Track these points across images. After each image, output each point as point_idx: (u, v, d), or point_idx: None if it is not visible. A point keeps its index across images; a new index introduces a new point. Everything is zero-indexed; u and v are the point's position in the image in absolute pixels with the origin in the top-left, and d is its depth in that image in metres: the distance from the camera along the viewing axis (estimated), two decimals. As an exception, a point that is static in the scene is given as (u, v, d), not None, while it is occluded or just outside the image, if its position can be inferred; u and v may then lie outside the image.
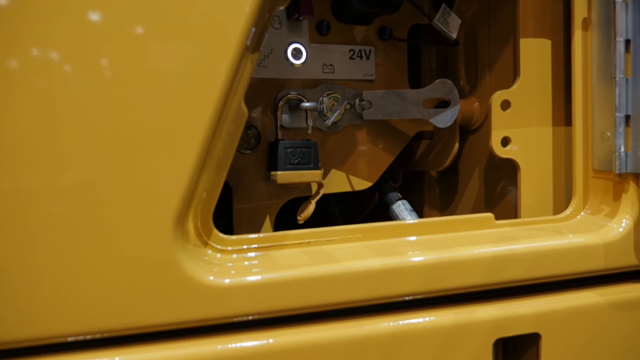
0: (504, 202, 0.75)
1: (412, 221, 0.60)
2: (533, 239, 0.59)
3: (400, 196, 0.78)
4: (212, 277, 0.48)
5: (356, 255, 0.54)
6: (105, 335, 0.47)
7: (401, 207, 0.76)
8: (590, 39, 0.63)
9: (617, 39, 0.59)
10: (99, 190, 0.45)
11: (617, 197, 0.62)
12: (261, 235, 0.56)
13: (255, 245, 0.55)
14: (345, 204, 0.88)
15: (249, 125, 0.67)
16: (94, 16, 0.44)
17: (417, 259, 0.54)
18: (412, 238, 0.59)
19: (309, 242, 0.57)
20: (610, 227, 0.61)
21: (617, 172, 0.60)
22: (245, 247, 0.55)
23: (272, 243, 0.56)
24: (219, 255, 0.53)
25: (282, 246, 0.56)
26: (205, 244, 0.54)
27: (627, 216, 0.60)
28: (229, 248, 0.54)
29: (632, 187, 0.60)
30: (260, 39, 0.54)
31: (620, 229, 0.60)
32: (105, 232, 0.46)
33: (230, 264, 0.52)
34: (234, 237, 0.55)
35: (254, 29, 0.50)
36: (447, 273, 0.55)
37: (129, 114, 0.46)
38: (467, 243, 0.57)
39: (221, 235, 0.55)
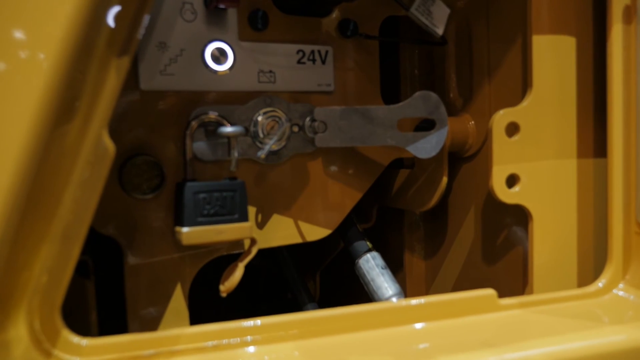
0: (510, 256, 0.56)
1: (374, 306, 0.41)
2: (554, 336, 0.39)
3: (371, 246, 0.58)
4: None
5: (282, 373, 0.35)
6: None
7: (370, 263, 0.57)
8: (635, 35, 0.43)
9: (681, 35, 0.39)
10: None
11: (675, 267, 0.43)
12: (138, 337, 0.36)
13: (127, 354, 0.36)
14: (304, 250, 0.68)
15: (149, 160, 0.47)
16: None
17: (378, 376, 0.35)
18: (374, 334, 0.40)
19: (214, 347, 0.37)
20: (667, 313, 0.41)
21: (678, 232, 0.41)
22: (110, 356, 0.36)
23: (156, 349, 0.37)
24: (62, 373, 0.34)
25: (170, 354, 0.37)
26: (48, 356, 0.35)
27: (694, 299, 0.41)
28: (79, 362, 0.34)
29: (700, 255, 0.41)
30: (132, 29, 0.35)
31: (685, 320, 0.40)
32: None
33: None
34: (92, 341, 0.35)
35: (113, 8, 0.31)
36: (424, 398, 0.35)
37: None
38: (455, 346, 0.38)
39: (73, 338, 0.35)
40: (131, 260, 0.47)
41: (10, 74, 0.28)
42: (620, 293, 0.45)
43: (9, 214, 0.29)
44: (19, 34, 0.28)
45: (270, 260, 0.70)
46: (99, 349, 0.36)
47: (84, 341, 0.35)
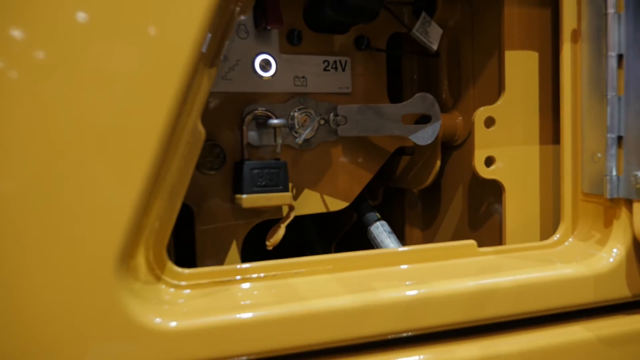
0: (489, 223, 0.71)
1: (387, 251, 0.56)
2: (518, 269, 0.54)
3: (379, 216, 0.73)
4: (159, 320, 0.43)
5: (324, 291, 0.49)
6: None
7: (380, 229, 0.71)
8: (580, 52, 0.58)
9: (609, 53, 0.54)
10: (27, 225, 0.40)
11: (608, 224, 0.57)
12: (221, 268, 0.51)
13: (215, 280, 0.50)
14: (322, 224, 0.83)
15: (213, 144, 0.61)
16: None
17: (392, 294, 0.49)
18: (387, 269, 0.54)
19: (274, 275, 0.52)
20: (600, 256, 0.56)
21: (609, 196, 0.55)
22: (203, 281, 0.50)
23: (232, 277, 0.51)
24: (172, 290, 0.48)
25: (244, 280, 0.51)
26: (158, 279, 0.49)
27: (619, 245, 0.55)
28: (184, 283, 0.49)
29: (624, 213, 0.55)
30: (219, 50, 0.49)
31: (611, 259, 0.55)
32: (30, 270, 0.40)
33: (183, 301, 0.47)
34: (190, 270, 0.50)
35: (210, 35, 0.45)
36: (424, 310, 0.50)
37: (60, 134, 0.40)
38: (447, 275, 0.53)
39: (176, 268, 0.49)
40: (200, 222, 0.61)
41: (164, 78, 0.42)
42: (570, 245, 0.60)
43: (152, 178, 0.43)
44: (160, 52, 0.42)
45: (296, 233, 0.84)
46: (196, 276, 0.49)
47: (186, 270, 0.49)
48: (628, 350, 0.56)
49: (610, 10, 0.54)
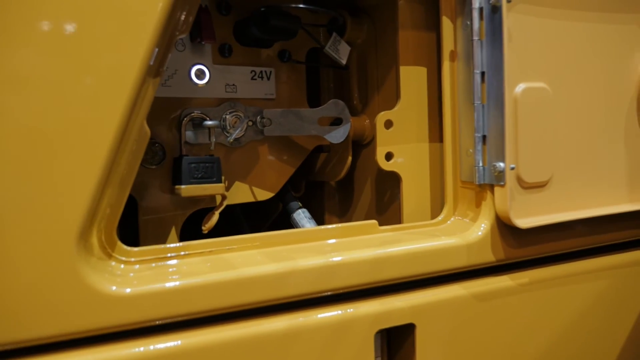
0: (392, 208, 0.85)
1: (305, 229, 0.67)
2: (409, 241, 0.68)
3: (301, 205, 0.85)
4: (114, 287, 0.52)
5: (252, 262, 0.60)
6: (14, 346, 0.49)
7: (301, 215, 0.83)
8: (457, 69, 0.73)
9: (475, 71, 0.69)
10: (5, 205, 0.48)
11: (478, 204, 0.73)
12: (164, 246, 0.60)
13: (158, 256, 0.59)
14: (252, 214, 0.93)
15: (154, 142, 0.70)
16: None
17: (308, 262, 0.61)
18: (305, 245, 0.66)
19: (210, 251, 0.62)
20: (472, 230, 0.71)
21: (477, 183, 0.71)
22: (148, 257, 0.59)
23: (174, 253, 0.60)
24: (122, 266, 0.57)
25: (184, 256, 0.61)
26: (110, 256, 0.57)
27: (486, 221, 0.71)
28: (132, 259, 0.58)
29: (489, 195, 0.71)
30: (162, 63, 0.58)
31: (480, 232, 0.70)
32: (8, 246, 0.48)
33: (133, 274, 0.56)
34: (137, 248, 0.58)
35: (156, 50, 0.55)
36: (333, 274, 0.62)
37: (31, 133, 0.48)
38: (353, 247, 0.65)
39: (125, 247, 0.58)
40: (142, 211, 0.70)
41: (119, 87, 0.51)
42: (452, 222, 0.75)
43: (106, 170, 0.52)
44: (117, 65, 0.51)
45: (229, 221, 0.94)
46: (139, 253, 0.58)
47: (133, 249, 0.58)
48: (493, 304, 0.72)
49: (475, 38, 0.69)
